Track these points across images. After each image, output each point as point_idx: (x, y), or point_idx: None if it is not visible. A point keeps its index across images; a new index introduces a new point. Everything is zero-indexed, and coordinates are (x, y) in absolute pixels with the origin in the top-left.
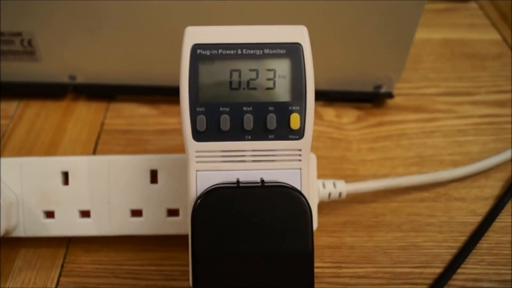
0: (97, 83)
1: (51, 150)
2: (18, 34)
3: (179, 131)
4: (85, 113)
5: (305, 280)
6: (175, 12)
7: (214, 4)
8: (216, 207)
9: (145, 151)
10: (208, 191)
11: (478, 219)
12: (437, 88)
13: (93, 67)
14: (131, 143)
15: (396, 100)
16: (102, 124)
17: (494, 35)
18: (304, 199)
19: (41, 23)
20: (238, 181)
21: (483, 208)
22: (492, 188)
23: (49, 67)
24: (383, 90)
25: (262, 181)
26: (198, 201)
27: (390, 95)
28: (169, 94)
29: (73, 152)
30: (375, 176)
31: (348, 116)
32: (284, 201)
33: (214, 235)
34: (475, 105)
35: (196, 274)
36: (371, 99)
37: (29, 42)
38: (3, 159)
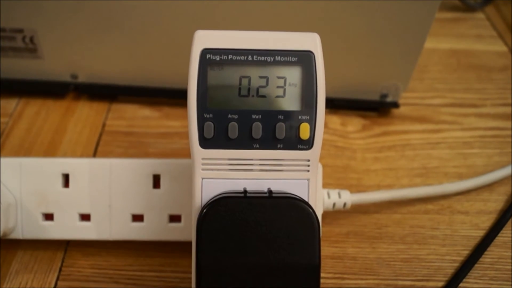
0: (99, 83)
1: (51, 150)
2: (20, 30)
3: (182, 135)
4: (86, 113)
5: None
6: (180, 14)
7: (221, 7)
8: (223, 216)
9: (147, 154)
10: (215, 200)
11: (481, 233)
12: (443, 99)
13: (96, 67)
14: (133, 145)
15: (402, 110)
16: (104, 125)
17: (500, 47)
18: (312, 211)
19: (44, 21)
20: (245, 191)
21: (486, 222)
22: (496, 202)
23: (50, 65)
24: (389, 99)
25: (270, 191)
26: (205, 210)
27: (395, 105)
28: (172, 97)
29: (73, 153)
30: (379, 186)
31: (353, 124)
32: (292, 212)
33: (219, 244)
34: (480, 117)
35: (200, 284)
36: (377, 108)
37: (31, 39)
38: (2, 159)
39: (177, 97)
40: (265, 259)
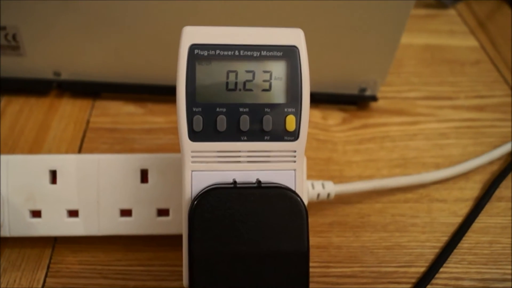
0: (82, 80)
1: (35, 147)
2: (2, 28)
3: (166, 130)
4: (69, 111)
5: (301, 280)
6: (164, 10)
7: (205, 4)
8: (213, 207)
9: (132, 150)
10: (205, 191)
11: (458, 219)
12: (419, 92)
13: (78, 64)
14: (118, 141)
15: (380, 103)
16: (88, 122)
17: (472, 42)
18: (300, 200)
19: (27, 18)
20: (235, 182)
21: (464, 209)
22: (472, 190)
23: (33, 62)
24: (368, 93)
25: (259, 182)
26: (196, 201)
27: (374, 98)
28: (156, 93)
29: (58, 150)
30: (360, 177)
31: (333, 118)
32: (281, 202)
33: (211, 235)
34: (455, 109)
35: (193, 274)
36: (356, 101)
37: (13, 37)
38: None
39: (161, 93)
40: (256, 248)
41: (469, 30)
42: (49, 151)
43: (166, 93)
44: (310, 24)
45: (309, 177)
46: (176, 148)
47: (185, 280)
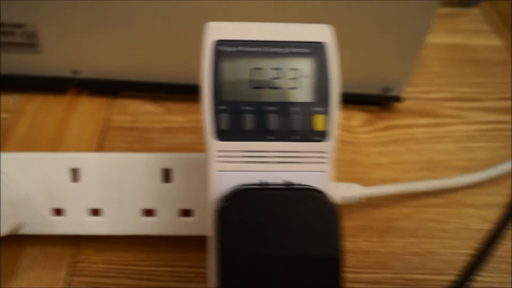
0: (100, 79)
1: (54, 146)
2: (20, 25)
3: (186, 129)
4: (88, 109)
5: (332, 286)
6: (182, 8)
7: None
8: (242, 208)
9: (151, 149)
10: (234, 192)
11: (489, 226)
12: (444, 93)
13: (97, 62)
14: (137, 140)
15: (404, 104)
16: (106, 120)
17: (496, 41)
18: (331, 202)
19: (44, 15)
20: (263, 183)
21: (494, 215)
22: (502, 195)
23: (51, 60)
24: (392, 93)
25: (288, 183)
26: (224, 203)
27: (398, 99)
28: (175, 92)
29: (77, 149)
30: (386, 180)
31: (357, 119)
32: (311, 204)
33: (239, 238)
34: (482, 111)
35: (222, 277)
36: (380, 102)
37: (31, 34)
38: (10, 154)
39: (179, 92)
40: (285, 251)
41: (493, 29)
42: (68, 150)
43: (185, 92)
44: (333, 22)
45: (334, 178)
46: (196, 147)
47: (211, 283)
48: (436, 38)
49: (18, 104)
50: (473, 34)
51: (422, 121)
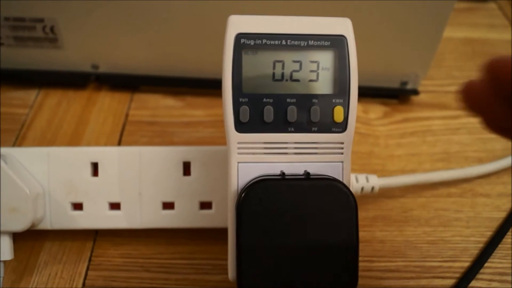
0: (120, 73)
1: (74, 140)
2: (40, 20)
3: (206, 124)
4: (108, 104)
5: (350, 274)
6: (203, 2)
7: None
8: (262, 199)
9: (172, 143)
10: (254, 182)
11: (503, 214)
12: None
13: (117, 57)
14: (157, 134)
15: (421, 97)
16: (127, 115)
17: None
18: (349, 192)
19: (65, 10)
20: (283, 173)
21: (507, 204)
22: None
23: (71, 55)
24: (409, 86)
25: (308, 173)
26: (244, 193)
27: (415, 92)
28: (195, 86)
29: (97, 144)
30: (403, 172)
31: (375, 111)
32: (330, 194)
33: (259, 227)
34: None
35: (241, 267)
36: (397, 95)
37: (52, 29)
38: (29, 149)
39: (199, 86)
40: (304, 240)
41: (509, 23)
42: (88, 145)
43: (205, 86)
44: (352, 16)
45: (352, 170)
46: (216, 141)
47: (231, 273)
48: (453, 32)
49: (38, 99)
50: (489, 28)
51: (438, 114)
